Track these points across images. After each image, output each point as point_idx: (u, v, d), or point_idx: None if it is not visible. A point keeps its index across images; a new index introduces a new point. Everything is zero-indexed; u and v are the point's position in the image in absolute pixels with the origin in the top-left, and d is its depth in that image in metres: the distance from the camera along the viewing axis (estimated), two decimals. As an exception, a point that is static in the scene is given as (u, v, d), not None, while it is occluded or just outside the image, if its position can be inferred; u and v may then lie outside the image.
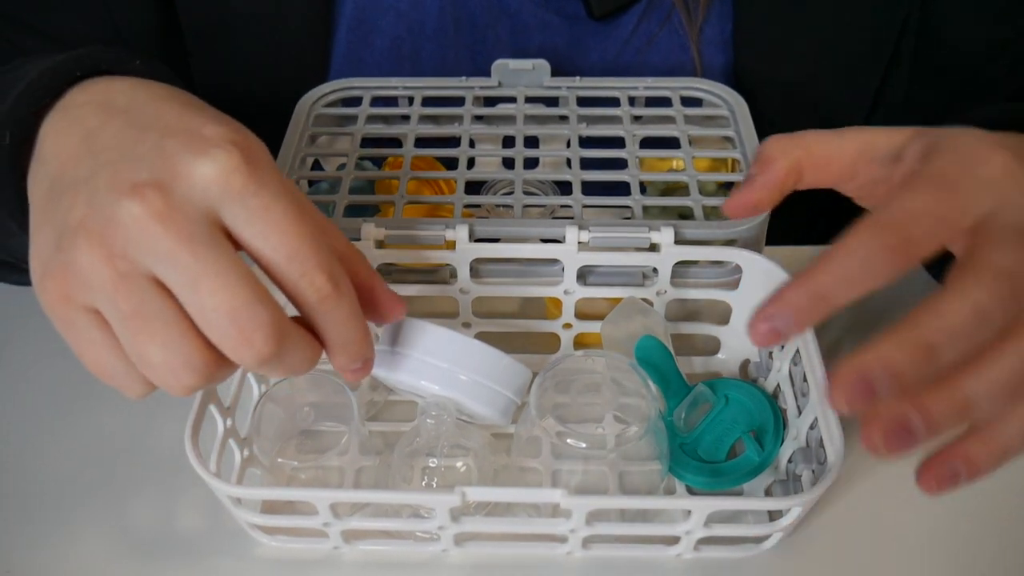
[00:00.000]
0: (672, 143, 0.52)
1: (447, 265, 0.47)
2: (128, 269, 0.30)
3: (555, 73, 0.57)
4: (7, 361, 0.52)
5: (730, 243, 0.46)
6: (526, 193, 0.49)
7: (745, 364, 0.49)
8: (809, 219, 0.56)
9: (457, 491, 0.37)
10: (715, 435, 0.44)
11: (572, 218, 0.46)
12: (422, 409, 0.42)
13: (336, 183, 0.50)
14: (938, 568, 0.42)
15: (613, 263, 0.46)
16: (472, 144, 0.53)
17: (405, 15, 0.58)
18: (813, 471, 0.40)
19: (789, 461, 0.43)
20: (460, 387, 0.41)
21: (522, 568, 0.41)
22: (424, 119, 0.55)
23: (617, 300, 0.47)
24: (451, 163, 0.52)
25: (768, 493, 0.44)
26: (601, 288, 0.47)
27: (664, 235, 0.44)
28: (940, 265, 0.32)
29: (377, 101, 0.56)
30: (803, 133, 0.38)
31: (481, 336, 0.48)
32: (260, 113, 0.56)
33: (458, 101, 0.55)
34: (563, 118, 0.55)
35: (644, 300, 0.47)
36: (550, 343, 0.50)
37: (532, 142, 0.54)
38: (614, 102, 0.55)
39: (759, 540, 0.41)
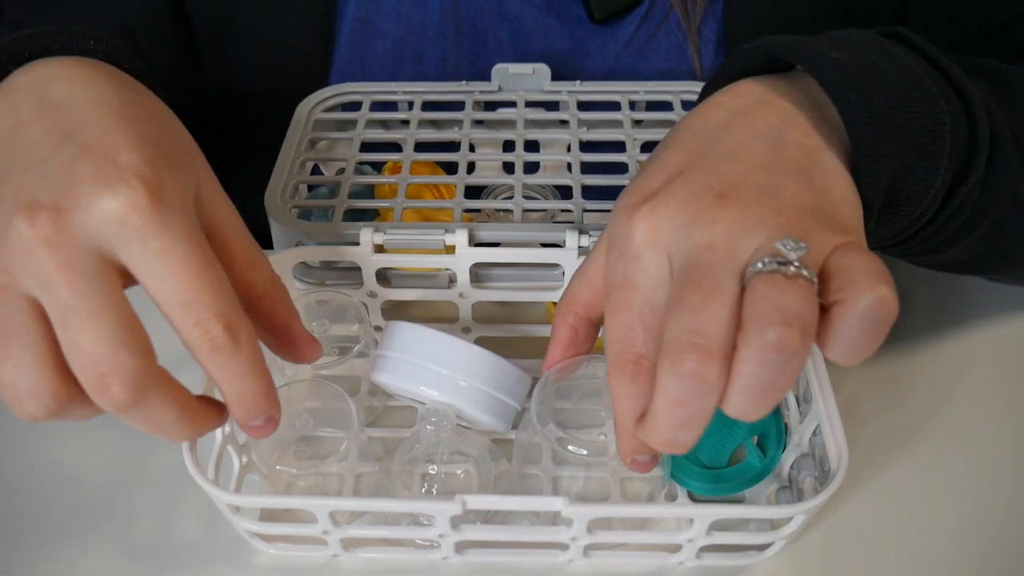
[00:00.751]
0: (673, 147, 0.52)
1: (446, 270, 0.47)
2: (6, 283, 0.30)
3: (556, 77, 0.56)
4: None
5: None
6: (526, 197, 0.49)
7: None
8: None
9: (458, 499, 0.36)
10: (716, 440, 0.44)
11: (572, 222, 0.46)
12: (421, 415, 0.42)
13: (335, 187, 0.50)
14: (940, 572, 0.42)
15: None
16: (472, 148, 0.53)
17: (406, 18, 0.58)
18: (816, 478, 0.40)
19: (792, 468, 0.42)
20: (460, 393, 0.41)
21: (523, 576, 0.41)
22: (424, 123, 0.55)
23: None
24: (451, 167, 0.51)
25: (770, 500, 0.43)
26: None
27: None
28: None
29: (377, 105, 0.56)
30: (566, 288, 0.39)
31: (481, 341, 0.48)
32: (264, 114, 0.56)
33: (458, 105, 0.55)
34: (563, 122, 0.55)
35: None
36: (550, 348, 0.50)
37: (532, 146, 0.54)
38: (615, 106, 0.55)
39: (761, 548, 0.41)
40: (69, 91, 0.33)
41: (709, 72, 0.59)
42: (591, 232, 0.44)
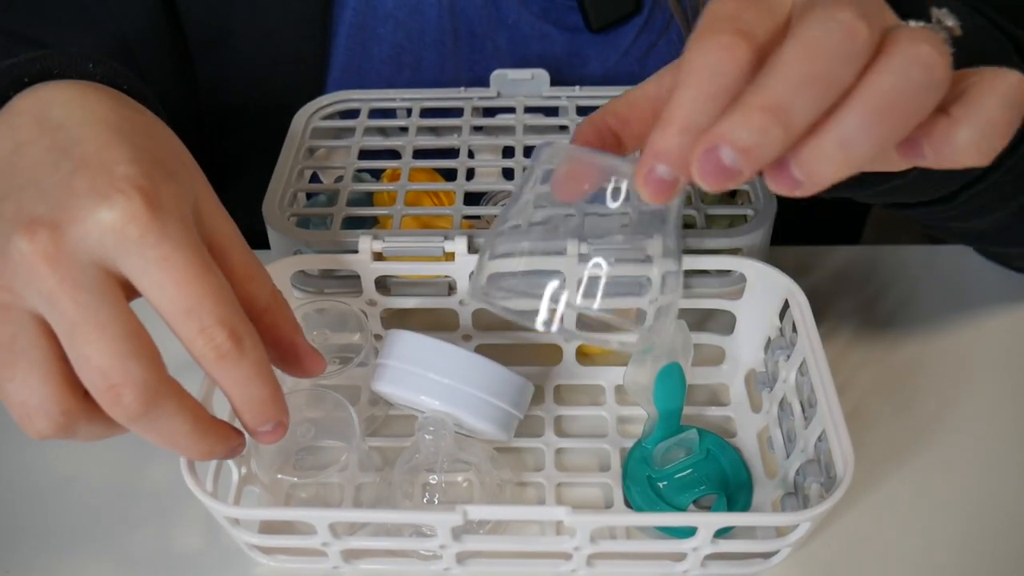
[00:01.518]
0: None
1: (446, 277, 0.47)
2: (10, 301, 0.30)
3: (554, 83, 0.56)
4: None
5: (734, 252, 0.45)
6: (526, 203, 0.48)
7: (750, 375, 0.49)
8: (816, 221, 0.55)
9: (459, 509, 0.36)
10: (681, 483, 0.43)
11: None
12: (420, 424, 0.41)
13: (334, 195, 0.49)
14: (951, 582, 0.41)
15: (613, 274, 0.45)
16: (471, 155, 0.52)
17: (404, 23, 0.58)
18: (822, 484, 0.40)
19: (797, 474, 0.42)
20: (461, 402, 0.41)
21: (526, 586, 0.41)
22: (422, 130, 0.55)
23: (619, 311, 0.46)
24: (450, 174, 0.51)
25: (776, 507, 0.43)
26: (604, 300, 0.46)
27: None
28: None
29: (375, 113, 0.56)
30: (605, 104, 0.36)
31: (482, 349, 0.48)
32: (261, 122, 0.56)
33: (457, 112, 0.55)
34: (563, 128, 0.54)
35: (642, 310, 0.46)
36: (552, 355, 0.49)
37: (532, 152, 0.54)
38: (614, 111, 0.55)
39: (767, 556, 0.40)
40: (67, 111, 0.33)
41: None
42: (591, 239, 0.44)
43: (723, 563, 0.40)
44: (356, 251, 0.44)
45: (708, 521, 0.37)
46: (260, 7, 0.57)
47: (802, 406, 0.43)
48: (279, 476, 0.43)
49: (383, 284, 0.47)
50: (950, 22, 0.28)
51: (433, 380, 0.41)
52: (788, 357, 0.44)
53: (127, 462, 0.46)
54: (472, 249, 0.44)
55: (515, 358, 0.46)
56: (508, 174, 0.54)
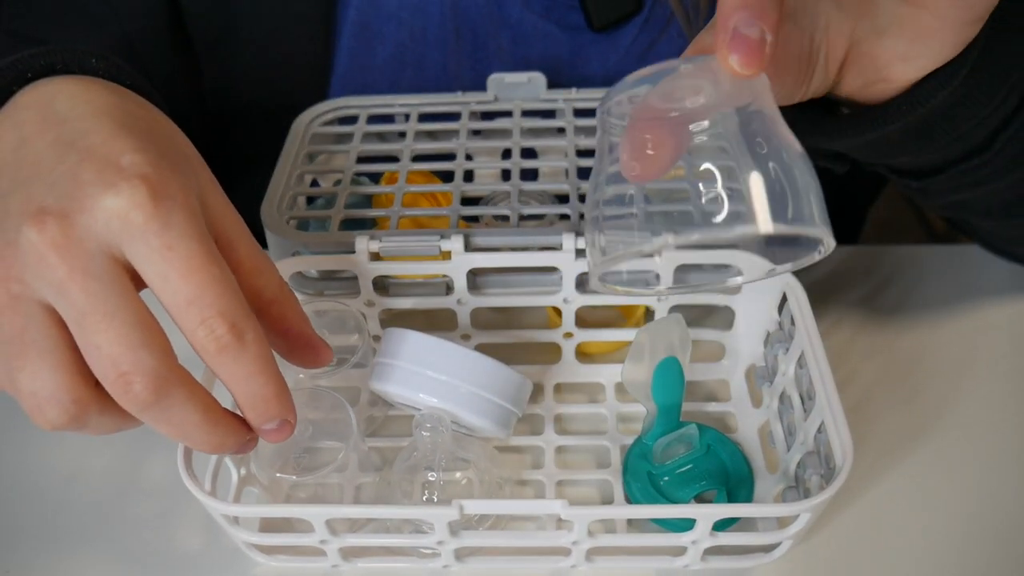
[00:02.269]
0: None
1: (444, 276, 0.47)
2: (20, 292, 0.30)
3: (556, 83, 0.56)
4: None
5: (733, 247, 0.45)
6: (522, 203, 0.49)
7: (750, 370, 0.48)
8: None
9: (455, 504, 0.36)
10: (682, 478, 0.43)
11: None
12: (417, 422, 0.41)
13: (332, 199, 0.50)
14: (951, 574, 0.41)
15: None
16: (469, 158, 0.53)
17: (407, 23, 0.58)
18: (822, 475, 0.39)
19: (798, 467, 0.42)
20: (459, 399, 0.41)
21: (526, 583, 0.40)
22: (420, 135, 0.55)
23: (618, 307, 0.46)
24: (448, 177, 0.51)
25: (777, 500, 0.42)
26: (601, 296, 0.46)
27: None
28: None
29: (374, 119, 0.56)
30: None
31: (481, 347, 0.48)
32: (264, 123, 0.56)
33: (454, 116, 0.55)
34: (560, 130, 0.54)
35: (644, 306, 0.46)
36: (551, 353, 0.49)
37: (529, 154, 0.54)
38: (611, 112, 0.55)
39: (768, 548, 0.40)
40: (72, 104, 0.34)
41: None
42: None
43: (723, 557, 0.40)
44: (352, 251, 0.45)
45: (706, 513, 0.36)
46: (264, 6, 0.57)
47: (801, 399, 0.42)
48: (278, 475, 0.43)
49: (381, 285, 0.47)
50: None
51: (430, 377, 0.41)
52: (787, 350, 0.44)
53: (127, 462, 0.46)
54: (468, 247, 0.45)
55: (514, 357, 0.46)
56: (506, 176, 0.54)
